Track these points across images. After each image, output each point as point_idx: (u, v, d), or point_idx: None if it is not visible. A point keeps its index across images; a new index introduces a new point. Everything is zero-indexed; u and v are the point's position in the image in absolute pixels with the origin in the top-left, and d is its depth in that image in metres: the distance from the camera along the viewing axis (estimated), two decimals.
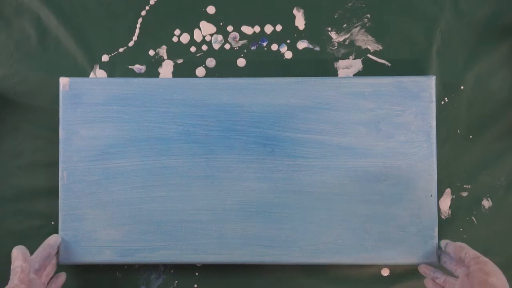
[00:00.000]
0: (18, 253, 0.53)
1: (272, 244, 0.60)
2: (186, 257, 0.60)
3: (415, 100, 0.60)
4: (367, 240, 0.60)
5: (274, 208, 0.60)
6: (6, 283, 0.64)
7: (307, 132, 0.60)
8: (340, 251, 0.60)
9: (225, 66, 0.65)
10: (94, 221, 0.60)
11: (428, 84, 0.60)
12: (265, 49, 0.65)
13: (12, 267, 0.53)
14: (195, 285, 0.64)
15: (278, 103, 0.60)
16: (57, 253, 0.60)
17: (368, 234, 0.60)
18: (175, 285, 0.64)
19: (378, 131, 0.60)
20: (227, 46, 0.65)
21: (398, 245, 0.60)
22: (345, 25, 0.65)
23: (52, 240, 0.59)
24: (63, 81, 0.61)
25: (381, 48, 0.65)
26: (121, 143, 0.60)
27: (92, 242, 0.60)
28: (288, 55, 0.65)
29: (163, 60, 0.65)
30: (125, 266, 0.64)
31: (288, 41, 0.65)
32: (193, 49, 0.65)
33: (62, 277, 0.60)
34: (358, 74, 0.64)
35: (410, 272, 0.63)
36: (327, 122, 0.60)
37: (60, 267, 0.63)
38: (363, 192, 0.60)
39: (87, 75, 0.65)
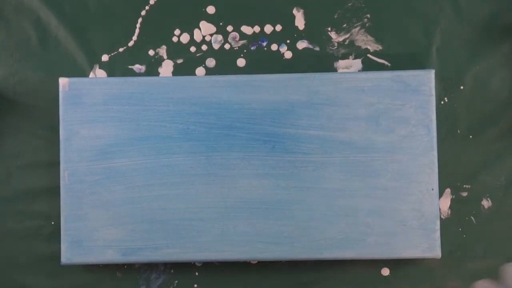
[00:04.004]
0: None
1: (275, 241, 0.60)
2: (189, 255, 0.60)
3: (415, 94, 0.60)
4: (369, 235, 0.60)
5: (275, 204, 0.60)
6: (7, 284, 0.64)
7: (308, 128, 0.60)
8: (343, 246, 0.60)
9: (225, 66, 0.65)
10: (96, 221, 0.60)
11: (428, 78, 0.60)
12: (265, 49, 0.65)
13: None
14: (195, 285, 0.64)
15: (278, 100, 0.60)
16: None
17: (370, 228, 0.60)
18: (175, 285, 0.64)
19: (379, 125, 0.60)
20: (227, 46, 0.65)
21: (400, 239, 0.60)
22: (345, 25, 0.65)
23: None
24: (63, 81, 0.61)
25: (381, 48, 0.65)
26: (122, 143, 0.60)
27: (94, 242, 0.60)
28: (288, 55, 0.65)
29: (163, 60, 0.65)
30: (125, 266, 0.64)
31: (288, 41, 0.65)
32: (193, 49, 0.65)
33: None
34: None
35: (410, 272, 0.63)
36: (327, 117, 0.60)
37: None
38: (365, 187, 0.60)
39: (87, 75, 0.65)
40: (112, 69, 0.65)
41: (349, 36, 0.65)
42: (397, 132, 0.60)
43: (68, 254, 0.60)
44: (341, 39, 0.65)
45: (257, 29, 0.65)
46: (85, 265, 0.63)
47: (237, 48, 0.65)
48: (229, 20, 0.65)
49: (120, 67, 0.65)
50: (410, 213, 0.60)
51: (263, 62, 0.65)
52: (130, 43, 0.65)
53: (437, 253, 0.60)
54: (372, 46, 0.65)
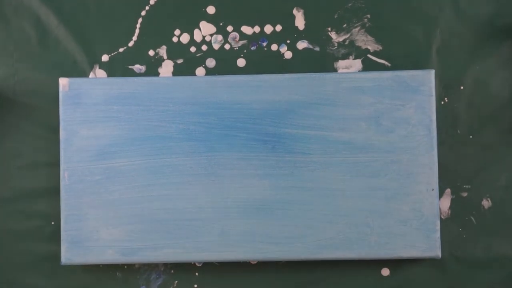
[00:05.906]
0: None
1: (275, 241, 0.60)
2: (189, 255, 0.60)
3: (415, 94, 0.60)
4: (369, 235, 0.60)
5: (275, 204, 0.60)
6: (7, 284, 0.64)
7: (308, 128, 0.60)
8: (343, 246, 0.60)
9: (225, 66, 0.65)
10: (96, 221, 0.60)
11: (427, 78, 0.60)
12: (265, 49, 0.65)
13: None
14: (195, 285, 0.64)
15: (278, 100, 0.60)
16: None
17: (370, 229, 0.60)
18: (175, 285, 0.64)
19: (379, 125, 0.60)
20: (227, 46, 0.65)
21: (400, 240, 0.60)
22: (345, 25, 0.65)
23: None
24: (63, 81, 0.61)
25: (381, 48, 0.65)
26: (122, 143, 0.60)
27: (94, 242, 0.60)
28: (288, 55, 0.65)
29: (163, 60, 0.65)
30: (125, 266, 0.64)
31: (288, 41, 0.65)
32: (193, 49, 0.65)
33: None
34: None
35: (410, 272, 0.63)
36: (327, 117, 0.60)
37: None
38: (364, 187, 0.60)
39: (87, 75, 0.65)
40: (112, 69, 0.65)
41: (349, 36, 0.65)
42: (397, 132, 0.60)
43: (68, 254, 0.60)
44: (341, 39, 0.65)
45: (257, 29, 0.65)
46: (85, 265, 0.63)
47: (237, 48, 0.65)
48: (229, 20, 0.65)
49: (120, 67, 0.65)
50: (410, 213, 0.60)
51: (263, 62, 0.65)
52: (130, 43, 0.65)
53: (437, 253, 0.60)
54: (372, 46, 0.65)
